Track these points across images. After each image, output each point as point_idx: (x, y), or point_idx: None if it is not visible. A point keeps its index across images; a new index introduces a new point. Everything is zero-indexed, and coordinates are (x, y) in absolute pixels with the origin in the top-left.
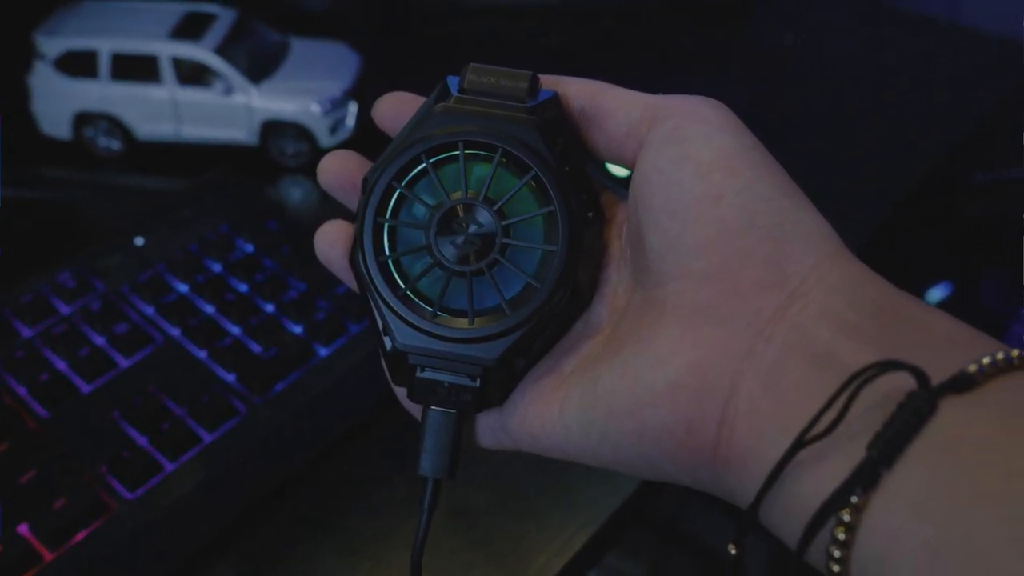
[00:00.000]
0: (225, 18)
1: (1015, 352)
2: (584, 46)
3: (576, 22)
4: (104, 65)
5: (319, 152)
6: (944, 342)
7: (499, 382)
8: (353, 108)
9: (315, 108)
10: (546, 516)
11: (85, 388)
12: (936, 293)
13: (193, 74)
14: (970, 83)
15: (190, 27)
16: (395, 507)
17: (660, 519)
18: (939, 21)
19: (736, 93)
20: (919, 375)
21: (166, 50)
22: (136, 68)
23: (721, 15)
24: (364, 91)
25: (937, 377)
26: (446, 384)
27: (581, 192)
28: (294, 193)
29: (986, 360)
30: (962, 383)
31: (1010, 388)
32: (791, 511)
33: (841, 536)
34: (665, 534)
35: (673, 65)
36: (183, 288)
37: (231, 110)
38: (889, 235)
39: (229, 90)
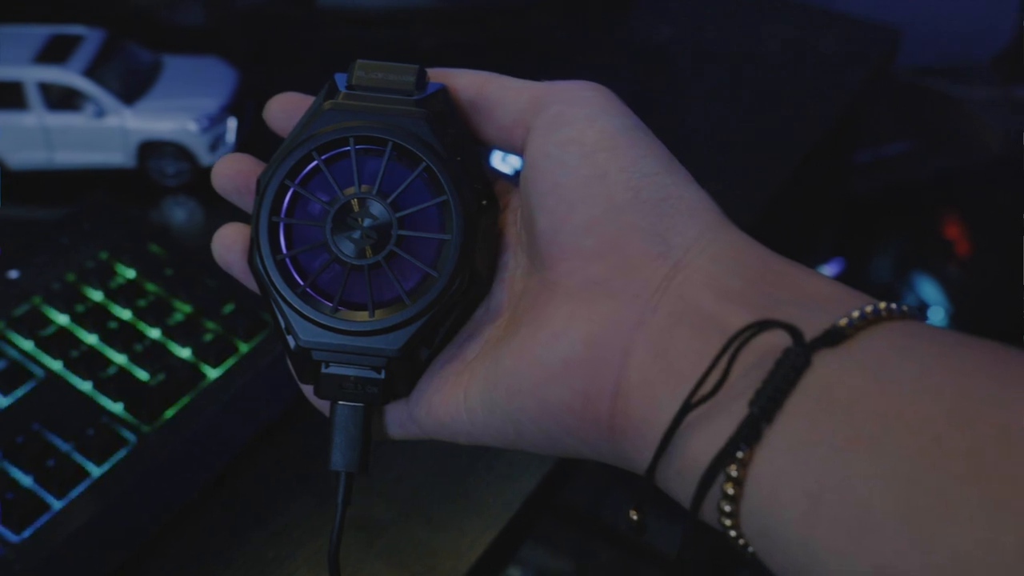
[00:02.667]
0: (92, 39)
1: (883, 304)
2: (462, 48)
3: (452, 24)
4: None
5: (200, 171)
6: (819, 300)
7: (404, 372)
8: (232, 124)
9: (192, 126)
10: (449, 522)
11: None
12: (828, 270)
13: (62, 98)
14: (843, 65)
15: (56, 50)
16: (296, 528)
17: (580, 513)
18: (810, 6)
19: (616, 86)
20: (793, 332)
21: (32, 75)
22: (1, 95)
23: (598, 10)
24: (243, 106)
25: (811, 333)
26: (352, 378)
27: (474, 181)
28: (177, 214)
29: (855, 314)
30: (833, 337)
31: (878, 338)
32: (684, 473)
33: (730, 491)
34: (586, 527)
35: (551, 62)
36: (63, 319)
37: (105, 133)
38: (776, 216)
39: (101, 112)
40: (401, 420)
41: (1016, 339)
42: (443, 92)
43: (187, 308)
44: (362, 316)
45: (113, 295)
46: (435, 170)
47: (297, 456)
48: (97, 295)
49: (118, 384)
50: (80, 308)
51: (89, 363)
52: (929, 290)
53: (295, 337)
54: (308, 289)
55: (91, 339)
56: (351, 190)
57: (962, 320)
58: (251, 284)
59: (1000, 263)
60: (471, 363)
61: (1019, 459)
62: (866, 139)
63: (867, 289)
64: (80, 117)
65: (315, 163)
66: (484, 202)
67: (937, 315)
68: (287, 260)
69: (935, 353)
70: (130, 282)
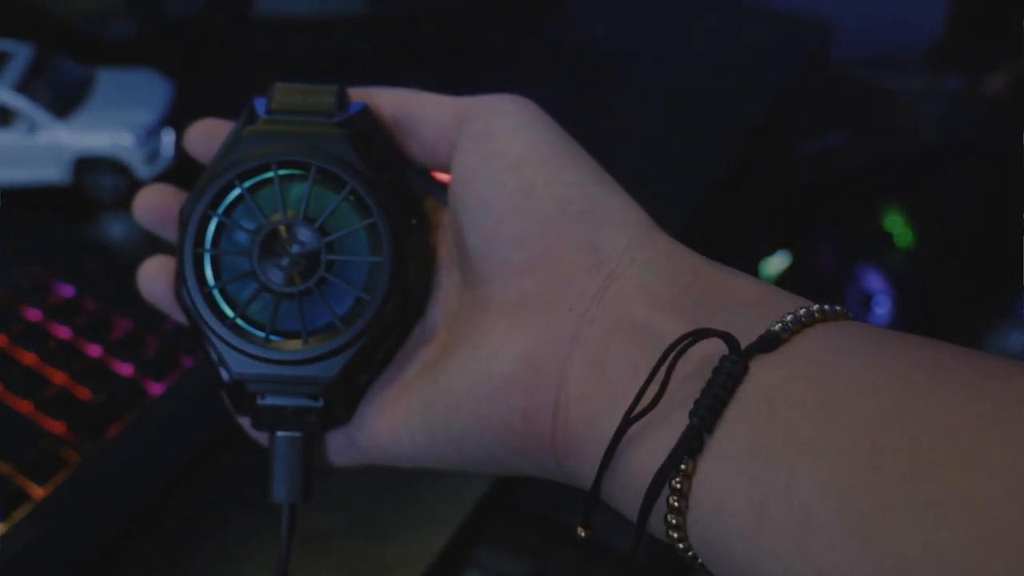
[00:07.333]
0: (22, 55)
1: (815, 306)
2: (398, 54)
3: (386, 31)
4: None
5: (138, 184)
6: (752, 305)
7: (342, 399)
8: (169, 136)
9: (128, 140)
10: (397, 531)
11: None
12: (775, 263)
13: None
14: (777, 60)
15: None
16: (245, 540)
17: (538, 514)
18: (744, 3)
19: (553, 87)
20: (728, 340)
21: None
22: None
23: (532, 12)
24: (181, 118)
25: (746, 340)
26: (289, 408)
27: (402, 200)
28: (115, 229)
29: (789, 318)
30: (769, 342)
31: (813, 340)
32: (629, 487)
33: (676, 503)
34: (545, 529)
35: (488, 65)
36: None
37: (38, 150)
38: (718, 211)
39: (33, 129)
40: (343, 447)
41: (959, 324)
42: (365, 112)
43: (128, 324)
44: (296, 344)
45: (51, 313)
46: (361, 192)
47: (244, 470)
48: (34, 314)
49: (59, 403)
50: (17, 328)
51: (28, 384)
52: (873, 279)
53: (228, 369)
54: (238, 320)
55: (29, 359)
56: (277, 216)
57: (907, 307)
58: (179, 317)
59: (940, 249)
60: (410, 385)
61: (954, 455)
62: (805, 132)
63: (813, 280)
64: (12, 134)
65: (238, 191)
66: (413, 221)
67: (883, 304)
68: (215, 291)
69: (870, 353)
70: (69, 300)
